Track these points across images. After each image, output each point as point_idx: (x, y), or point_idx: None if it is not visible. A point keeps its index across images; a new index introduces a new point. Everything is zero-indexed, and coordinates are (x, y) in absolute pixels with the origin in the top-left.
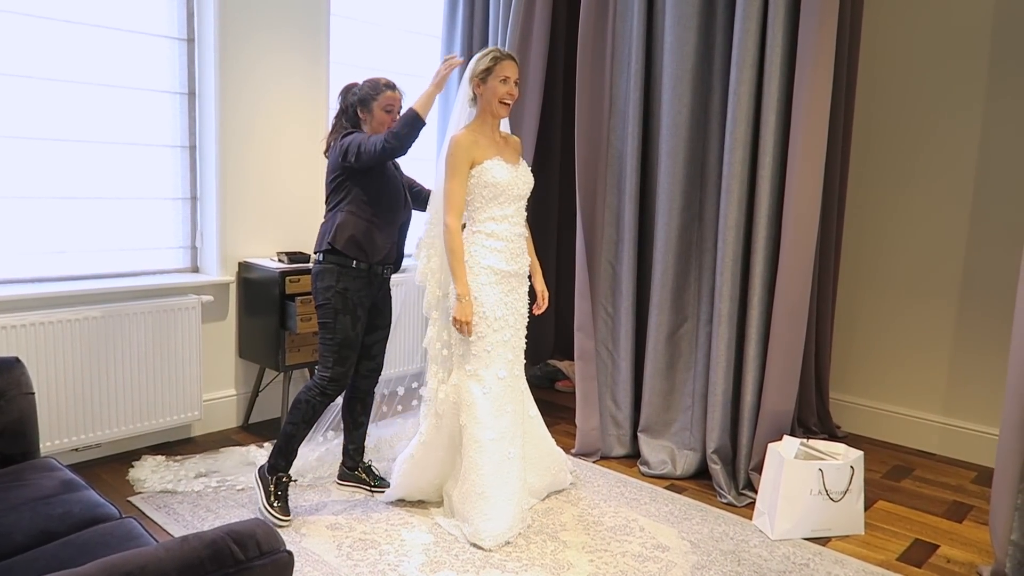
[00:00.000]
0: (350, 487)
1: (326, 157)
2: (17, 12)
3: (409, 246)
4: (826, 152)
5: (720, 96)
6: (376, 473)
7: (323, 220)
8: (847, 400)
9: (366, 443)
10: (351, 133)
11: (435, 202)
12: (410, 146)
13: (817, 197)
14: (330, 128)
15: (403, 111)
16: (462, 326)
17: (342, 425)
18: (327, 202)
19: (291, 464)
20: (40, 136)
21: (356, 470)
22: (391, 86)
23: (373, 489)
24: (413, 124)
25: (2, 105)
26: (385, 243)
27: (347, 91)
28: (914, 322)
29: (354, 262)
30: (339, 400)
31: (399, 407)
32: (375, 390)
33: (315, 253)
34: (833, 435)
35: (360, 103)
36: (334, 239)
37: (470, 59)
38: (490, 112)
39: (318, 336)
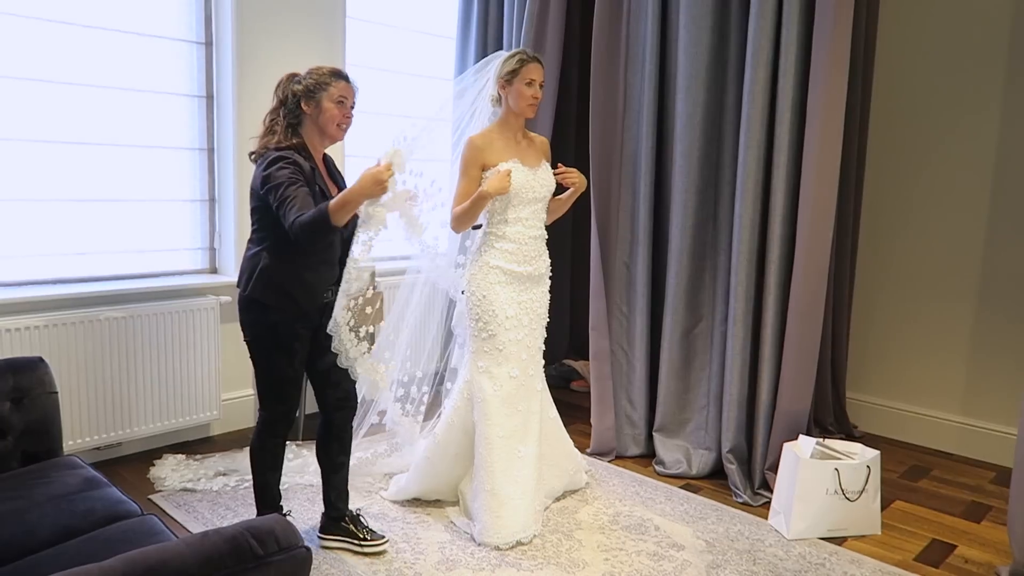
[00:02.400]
0: (335, 541)
1: (252, 162)
2: (39, 18)
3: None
4: (841, 151)
5: (734, 95)
6: (365, 523)
7: (247, 249)
8: (864, 400)
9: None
10: (278, 164)
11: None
12: (319, 245)
13: (832, 196)
14: (263, 127)
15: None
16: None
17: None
18: (252, 224)
19: (278, 507)
20: (61, 140)
21: (342, 520)
22: (342, 75)
23: (363, 545)
24: (321, 227)
25: (24, 110)
26: (323, 280)
27: (288, 80)
28: (932, 321)
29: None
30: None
31: (421, 408)
32: (351, 423)
33: (238, 286)
34: (850, 435)
35: (305, 94)
36: (254, 290)
37: (480, 60)
38: (514, 113)
39: (254, 373)
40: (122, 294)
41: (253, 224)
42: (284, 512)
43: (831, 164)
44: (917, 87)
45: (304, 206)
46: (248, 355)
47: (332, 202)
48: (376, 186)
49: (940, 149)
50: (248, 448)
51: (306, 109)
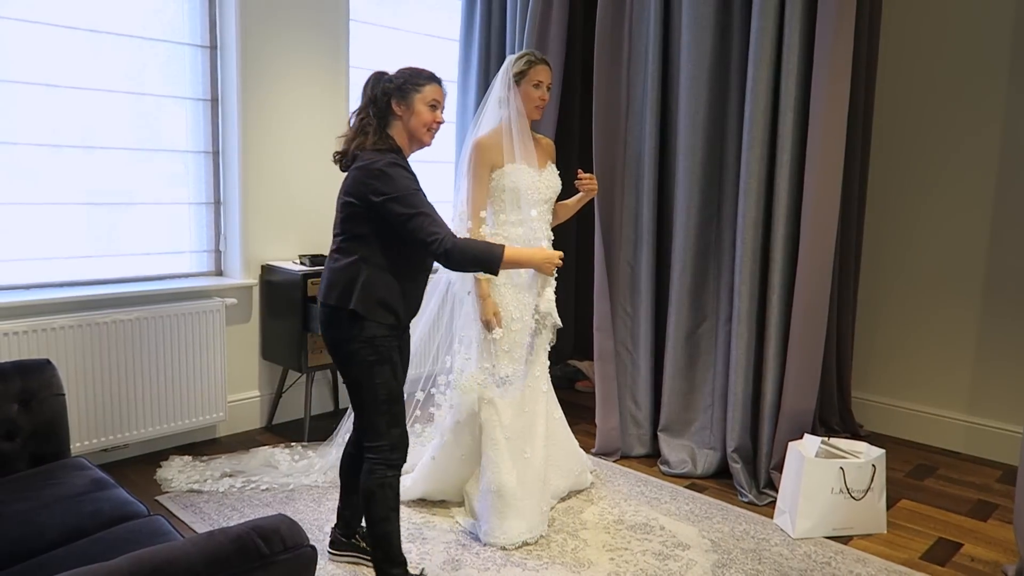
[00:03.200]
0: (347, 558)
1: (339, 165)
2: (46, 23)
3: None
4: (845, 149)
5: (737, 95)
6: None
7: (334, 259)
8: (870, 399)
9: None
10: (397, 169)
11: (458, 205)
12: (467, 271)
13: (836, 195)
14: (352, 126)
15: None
16: (485, 324)
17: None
18: (340, 233)
19: (406, 564)
20: (67, 143)
21: (354, 538)
22: (435, 78)
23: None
24: (485, 264)
25: (30, 114)
26: (420, 289)
27: (377, 79)
28: (937, 320)
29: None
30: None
31: (417, 412)
32: None
33: (326, 304)
34: (856, 434)
35: (397, 93)
36: (358, 303)
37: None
38: (520, 115)
39: (351, 400)
40: (128, 297)
41: (342, 233)
42: (418, 574)
43: (834, 162)
44: (920, 84)
45: (441, 223)
46: (341, 379)
47: (508, 252)
48: (548, 266)
49: (944, 146)
50: (253, 449)
51: (397, 110)
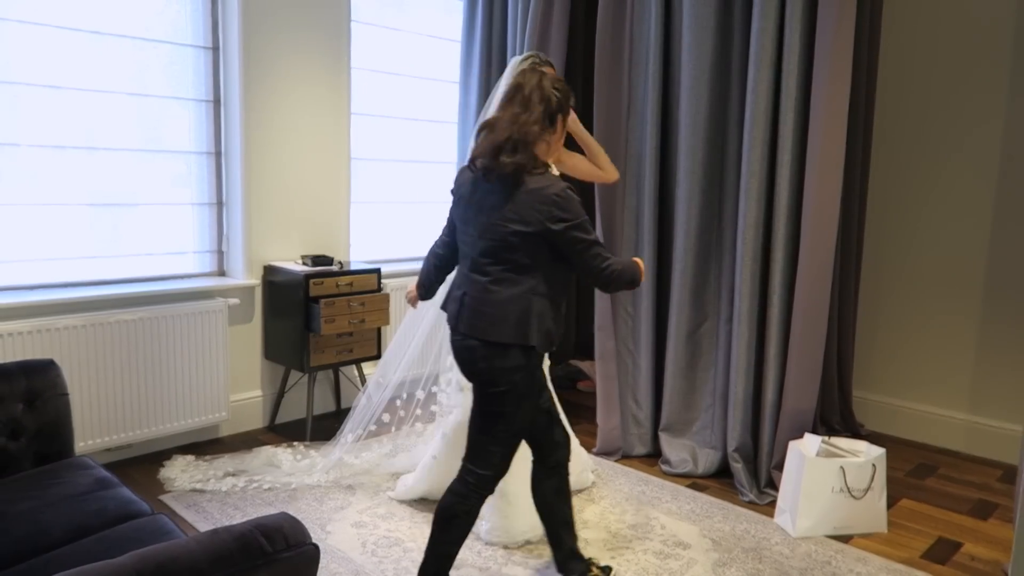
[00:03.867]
0: None
1: (489, 177)
2: (48, 24)
3: None
4: (846, 150)
5: (738, 96)
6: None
7: (490, 291)
8: (871, 398)
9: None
10: (574, 197)
11: None
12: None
13: (836, 194)
14: (531, 131)
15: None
16: None
17: (542, 524)
18: (499, 263)
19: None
20: (70, 144)
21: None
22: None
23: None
24: (632, 283)
25: (34, 115)
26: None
27: (540, 78)
28: (938, 319)
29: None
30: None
31: (418, 411)
32: None
33: (496, 342)
34: (856, 433)
35: (560, 108)
36: (537, 338)
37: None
38: None
39: (479, 427)
40: (131, 297)
41: (501, 263)
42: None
43: (835, 163)
44: (921, 84)
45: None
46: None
47: (640, 263)
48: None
49: (945, 145)
50: (256, 448)
51: (559, 127)
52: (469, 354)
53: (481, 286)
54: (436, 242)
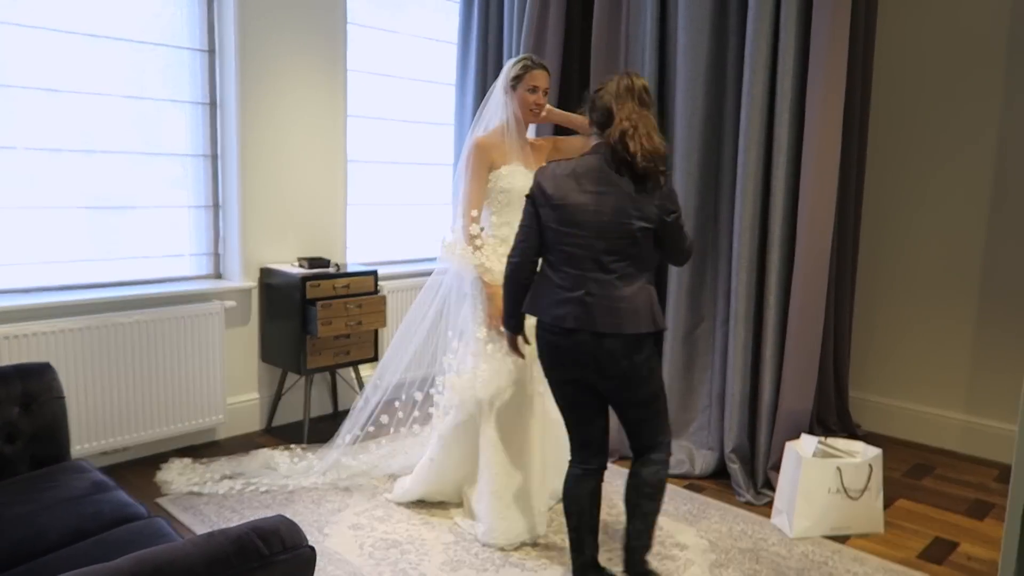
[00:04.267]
0: None
1: (660, 175)
2: (44, 28)
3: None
4: (841, 151)
5: (734, 97)
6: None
7: (615, 287)
8: (867, 398)
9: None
10: (673, 200)
11: (457, 205)
12: None
13: (832, 195)
14: (657, 136)
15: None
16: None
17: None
18: (621, 258)
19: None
20: (66, 147)
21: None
22: None
23: None
24: (690, 254)
25: (30, 118)
26: None
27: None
28: (934, 319)
29: None
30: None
31: (416, 413)
32: None
33: (634, 334)
34: (853, 434)
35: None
36: (660, 320)
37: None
38: (516, 118)
39: (649, 411)
40: (128, 300)
41: (623, 258)
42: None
43: (830, 163)
44: (916, 85)
45: None
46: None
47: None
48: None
49: (941, 146)
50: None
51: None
52: (609, 357)
53: (607, 284)
54: (522, 258)
